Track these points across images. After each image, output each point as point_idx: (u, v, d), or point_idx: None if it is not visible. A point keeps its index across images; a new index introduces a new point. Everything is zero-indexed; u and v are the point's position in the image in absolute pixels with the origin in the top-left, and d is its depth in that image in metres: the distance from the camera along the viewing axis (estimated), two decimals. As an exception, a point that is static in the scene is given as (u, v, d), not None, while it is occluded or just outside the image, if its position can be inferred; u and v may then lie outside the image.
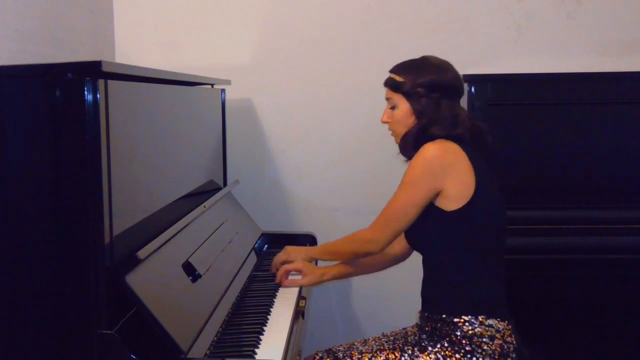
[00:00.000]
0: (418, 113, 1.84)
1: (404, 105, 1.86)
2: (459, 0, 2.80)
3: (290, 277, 2.06)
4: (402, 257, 2.11)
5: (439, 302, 1.82)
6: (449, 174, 1.75)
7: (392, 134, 1.94)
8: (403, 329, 1.97)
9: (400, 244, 2.04)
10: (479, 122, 1.87)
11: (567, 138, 2.60)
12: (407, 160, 1.90)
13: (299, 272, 2.05)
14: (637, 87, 2.63)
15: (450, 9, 2.81)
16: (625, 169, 2.60)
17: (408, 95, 1.85)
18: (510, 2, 2.80)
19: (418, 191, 1.76)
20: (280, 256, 2.10)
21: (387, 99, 1.91)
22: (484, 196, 1.77)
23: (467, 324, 1.75)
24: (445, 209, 1.76)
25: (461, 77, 1.90)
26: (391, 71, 1.91)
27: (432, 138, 1.80)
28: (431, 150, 1.76)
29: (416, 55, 1.90)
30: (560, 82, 2.64)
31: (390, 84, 1.89)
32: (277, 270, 2.08)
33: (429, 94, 1.82)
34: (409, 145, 1.85)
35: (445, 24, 2.80)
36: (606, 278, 2.53)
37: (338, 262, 2.05)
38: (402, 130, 1.88)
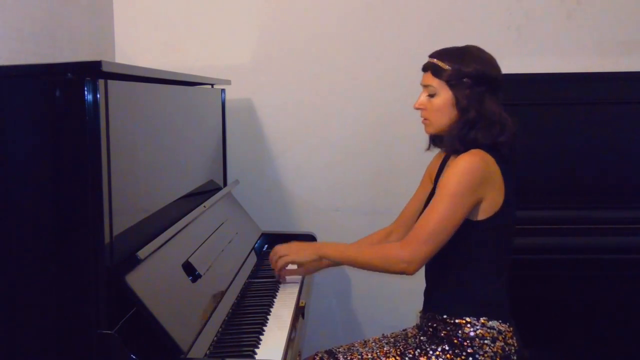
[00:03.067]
0: (462, 106, 1.73)
1: (445, 94, 1.75)
2: (459, 0, 2.80)
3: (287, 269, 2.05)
4: None
5: (441, 302, 1.80)
6: (487, 186, 1.70)
7: (423, 121, 1.83)
8: (403, 330, 1.95)
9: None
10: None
11: (567, 138, 2.60)
12: (428, 149, 1.87)
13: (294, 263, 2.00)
14: (637, 87, 2.62)
15: (450, 8, 2.80)
16: (625, 169, 2.60)
17: (452, 85, 1.74)
18: (510, 2, 2.79)
19: (462, 204, 1.67)
20: (280, 251, 1.96)
21: (426, 85, 1.79)
22: (507, 208, 1.74)
23: (468, 325, 1.73)
24: (470, 219, 1.72)
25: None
26: (433, 56, 1.80)
27: (473, 144, 1.72)
28: (473, 161, 1.68)
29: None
30: (560, 82, 2.64)
31: (432, 69, 1.77)
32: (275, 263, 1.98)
33: (475, 86, 1.72)
34: (456, 139, 1.74)
35: (445, 23, 2.80)
36: (606, 278, 2.53)
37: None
38: (439, 119, 1.77)
